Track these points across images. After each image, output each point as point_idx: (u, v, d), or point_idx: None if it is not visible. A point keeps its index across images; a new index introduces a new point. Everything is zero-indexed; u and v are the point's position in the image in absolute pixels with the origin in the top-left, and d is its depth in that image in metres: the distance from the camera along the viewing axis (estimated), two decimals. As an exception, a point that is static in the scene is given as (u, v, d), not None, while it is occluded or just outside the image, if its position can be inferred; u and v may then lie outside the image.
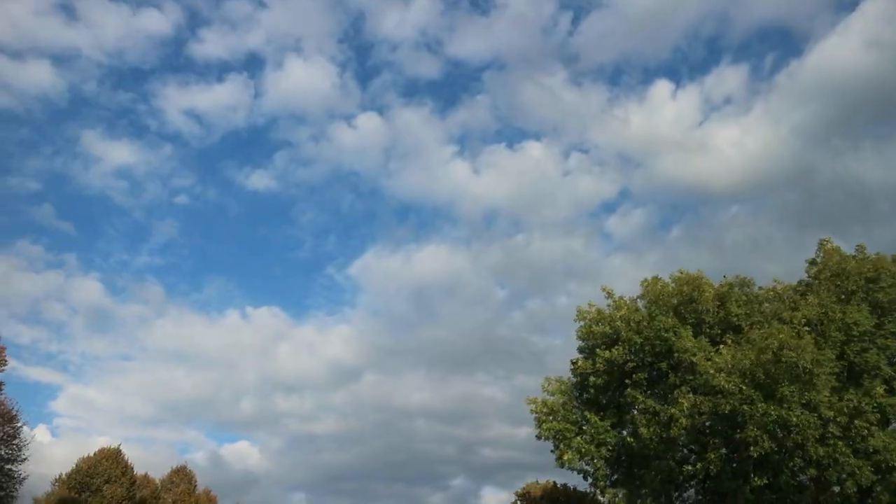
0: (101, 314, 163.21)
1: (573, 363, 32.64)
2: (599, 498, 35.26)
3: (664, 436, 26.17)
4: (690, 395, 25.01)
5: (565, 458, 29.06)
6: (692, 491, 32.08)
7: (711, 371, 24.67)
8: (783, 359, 23.58)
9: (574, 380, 32.47)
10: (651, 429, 26.24)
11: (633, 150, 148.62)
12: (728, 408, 23.79)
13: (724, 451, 24.94)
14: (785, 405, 23.26)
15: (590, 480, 31.18)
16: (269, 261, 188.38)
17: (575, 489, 51.47)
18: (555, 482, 54.74)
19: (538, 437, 31.04)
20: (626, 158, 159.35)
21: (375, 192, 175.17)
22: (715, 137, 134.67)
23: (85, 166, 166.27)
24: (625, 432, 29.76)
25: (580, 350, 32.67)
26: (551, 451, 30.98)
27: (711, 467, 24.85)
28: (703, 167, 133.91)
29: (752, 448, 23.15)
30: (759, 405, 23.40)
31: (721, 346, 27.04)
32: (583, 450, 28.79)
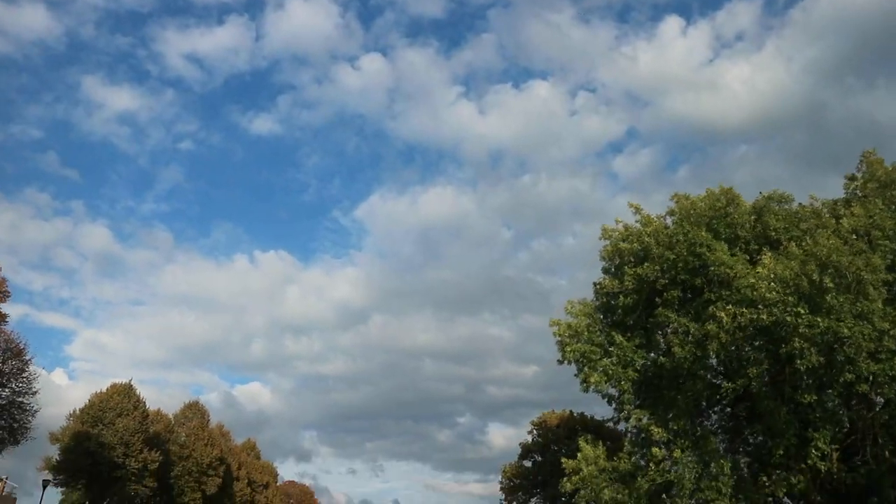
0: (110, 260, 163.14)
1: (597, 284, 31.18)
2: (620, 426, 34.15)
3: (699, 354, 24.71)
4: (730, 306, 23.33)
5: (591, 380, 27.70)
6: (716, 417, 31.01)
7: (752, 280, 22.92)
8: (831, 266, 21.82)
9: (597, 302, 31.04)
10: (686, 348, 24.74)
11: (641, 88, 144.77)
12: (770, 319, 22.13)
13: (765, 366, 23.38)
14: (833, 315, 21.63)
15: (614, 405, 30.05)
16: (275, 205, 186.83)
17: (592, 417, 50.82)
18: (571, 411, 54.21)
19: (560, 362, 29.68)
20: (634, 97, 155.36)
21: (380, 134, 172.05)
22: (725, 75, 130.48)
23: (87, 113, 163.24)
24: (653, 353, 28.45)
25: (605, 270, 31.18)
26: (575, 375, 29.69)
27: (754, 383, 23.39)
28: (713, 106, 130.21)
29: (798, 362, 21.58)
30: (805, 316, 21.76)
31: (759, 259, 25.36)
32: (609, 371, 27.41)
